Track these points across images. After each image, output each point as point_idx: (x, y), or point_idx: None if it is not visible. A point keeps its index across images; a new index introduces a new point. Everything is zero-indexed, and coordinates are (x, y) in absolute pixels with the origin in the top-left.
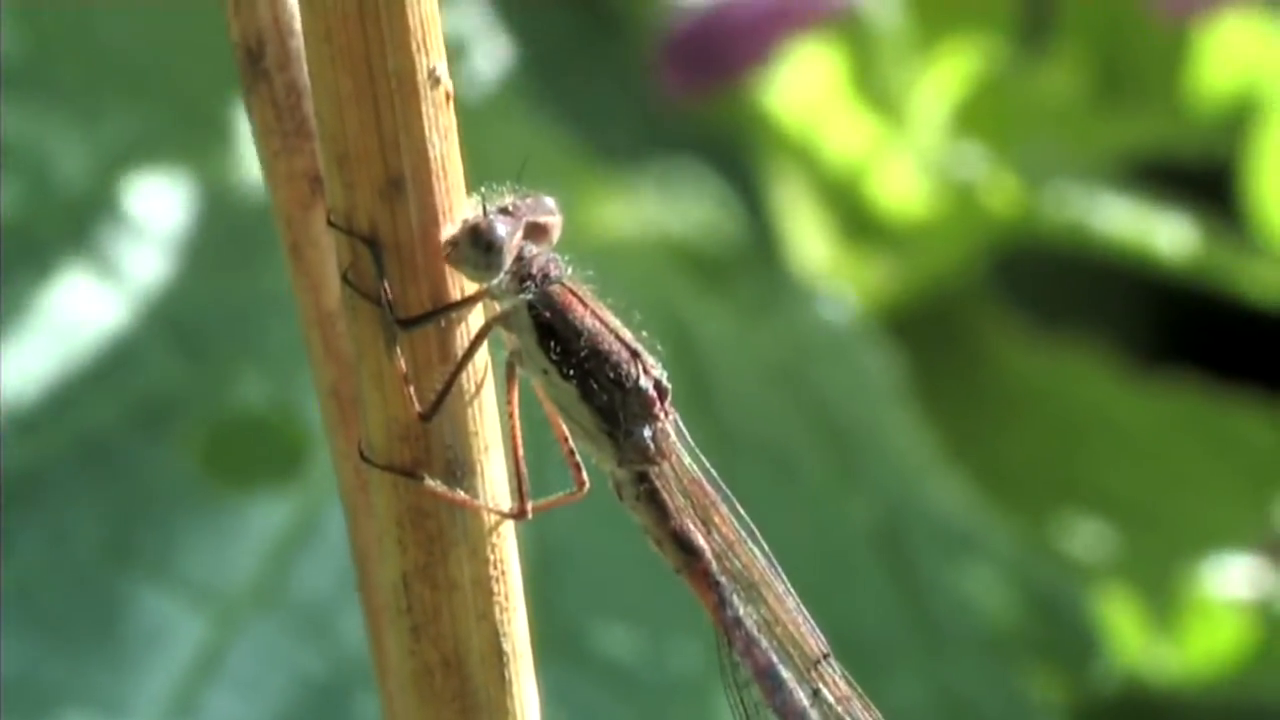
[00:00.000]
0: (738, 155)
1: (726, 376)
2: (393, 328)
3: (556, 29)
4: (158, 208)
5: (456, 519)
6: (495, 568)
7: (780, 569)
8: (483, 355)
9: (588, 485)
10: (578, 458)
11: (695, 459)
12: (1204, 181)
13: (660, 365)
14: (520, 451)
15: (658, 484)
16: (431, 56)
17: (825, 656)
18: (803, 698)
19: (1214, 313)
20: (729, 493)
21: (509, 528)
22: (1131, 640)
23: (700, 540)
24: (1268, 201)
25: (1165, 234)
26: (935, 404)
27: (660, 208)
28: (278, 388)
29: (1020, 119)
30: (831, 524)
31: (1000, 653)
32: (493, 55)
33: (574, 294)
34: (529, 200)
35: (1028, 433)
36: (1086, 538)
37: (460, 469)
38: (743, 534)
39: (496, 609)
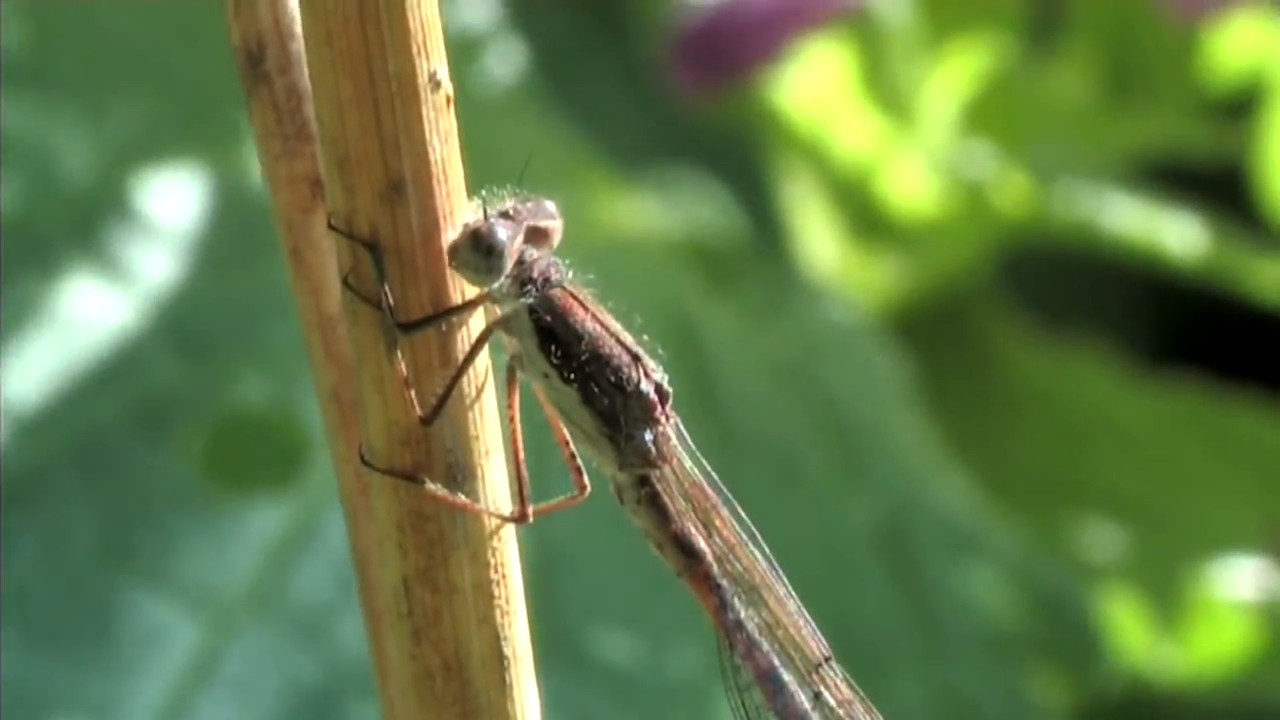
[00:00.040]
0: (747, 154)
1: (733, 375)
2: (393, 331)
3: (565, 28)
4: (162, 205)
5: (457, 523)
6: (496, 571)
7: (781, 572)
8: (483, 359)
9: (589, 489)
10: (579, 461)
11: (696, 462)
12: (1216, 183)
13: (661, 369)
14: (521, 455)
15: (659, 487)
16: (432, 60)
17: (827, 659)
18: (804, 701)
19: (1220, 313)
20: (730, 496)
21: (510, 531)
22: (1137, 641)
23: (701, 543)
24: (1278, 200)
25: (1174, 233)
26: (942, 404)
27: (668, 207)
28: (279, 389)
29: (1030, 118)
30: (836, 523)
31: (1004, 653)
32: (502, 55)
33: (575, 298)
34: (530, 204)
35: (1034, 433)
36: (1092, 538)
37: (461, 473)
38: (744, 537)
39: (497, 613)
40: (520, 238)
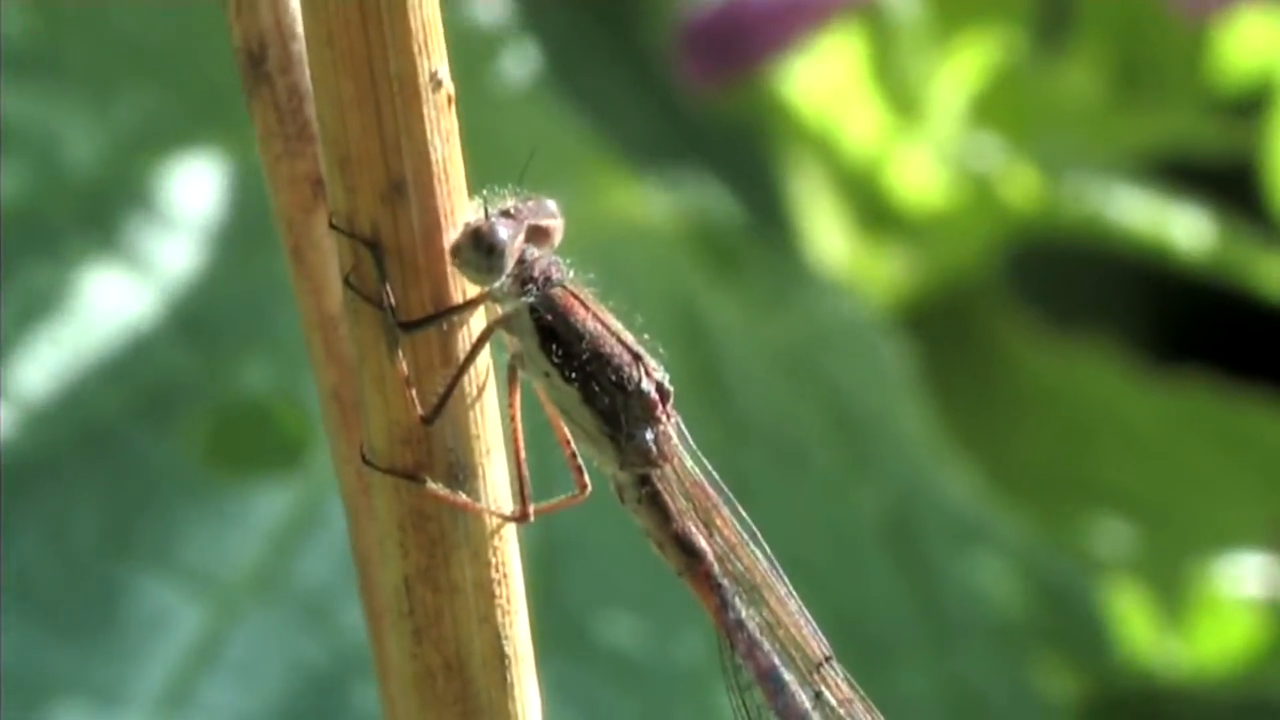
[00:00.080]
0: (755, 146)
1: (740, 364)
2: (394, 331)
3: (574, 21)
4: (170, 194)
5: (458, 522)
6: (497, 570)
7: (782, 571)
8: (484, 358)
9: (589, 488)
10: (579, 460)
11: (697, 461)
12: (1225, 179)
13: (662, 368)
14: (522, 454)
15: (659, 487)
16: (433, 60)
17: (828, 659)
18: (805, 700)
19: (1226, 310)
20: (730, 495)
21: (511, 530)
22: (1143, 636)
23: (702, 543)
24: None
25: (1182, 229)
26: (948, 400)
27: (676, 199)
28: (284, 375)
29: (1038, 113)
30: (842, 513)
31: (1010, 643)
32: (513, 50)
33: (576, 297)
34: (531, 203)
35: (1040, 429)
36: (1098, 535)
37: (462, 472)
38: (745, 536)
39: (498, 612)
40: (521, 237)
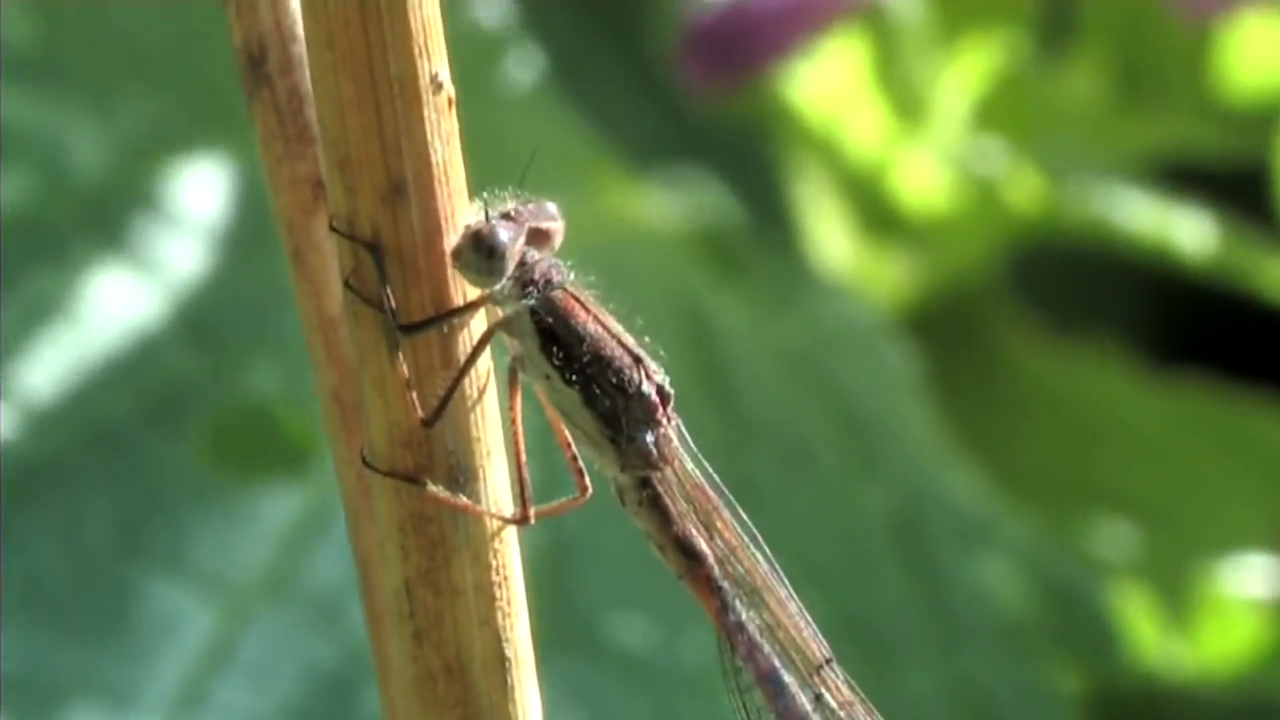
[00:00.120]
0: (759, 149)
1: (744, 366)
2: (395, 333)
3: (577, 24)
4: (175, 197)
5: (459, 524)
6: (498, 573)
7: (782, 573)
8: (485, 360)
9: (590, 490)
10: (580, 463)
11: (698, 463)
12: (1229, 183)
13: (663, 370)
14: (523, 457)
15: (660, 489)
16: (433, 61)
17: (828, 661)
18: (805, 702)
19: (1230, 313)
20: (731, 498)
21: (511, 533)
22: (1146, 638)
23: (703, 545)
24: None
25: (1185, 232)
26: (952, 402)
27: (680, 200)
28: (291, 377)
29: (1042, 116)
30: (849, 513)
31: (1016, 643)
32: (516, 53)
33: (576, 299)
34: (531, 205)
35: (1044, 432)
36: (1102, 536)
37: (462, 474)
38: (745, 539)
39: (499, 614)
40: (522, 239)
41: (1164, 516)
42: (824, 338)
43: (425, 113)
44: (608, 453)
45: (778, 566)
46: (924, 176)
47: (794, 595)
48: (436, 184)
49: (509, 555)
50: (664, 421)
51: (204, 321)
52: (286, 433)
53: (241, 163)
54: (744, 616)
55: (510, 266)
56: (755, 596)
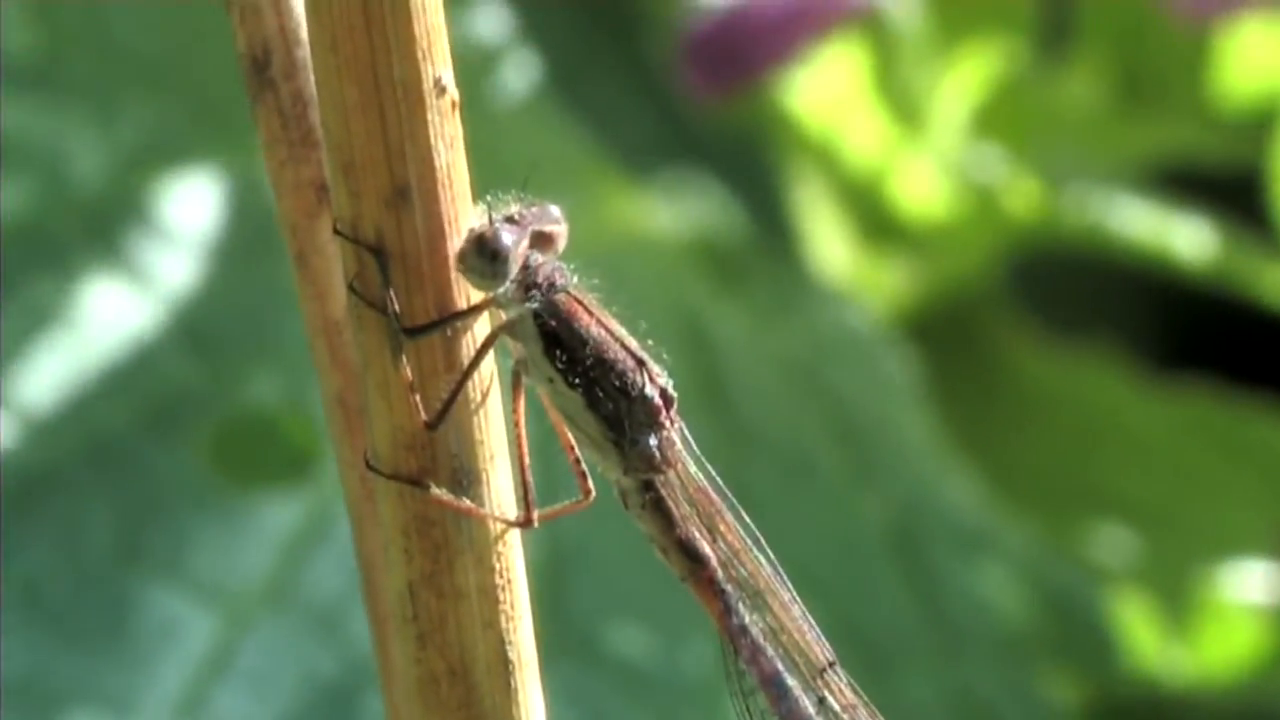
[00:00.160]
0: (757, 157)
1: (743, 375)
2: (398, 336)
3: (576, 31)
4: (175, 207)
5: (462, 527)
6: (501, 576)
7: (785, 576)
8: (488, 364)
9: (593, 493)
10: (584, 466)
11: (701, 466)
12: (1227, 188)
13: (666, 373)
14: (526, 460)
15: (663, 492)
16: (437, 65)
17: (831, 664)
18: (808, 705)
19: (1230, 318)
20: (734, 501)
21: (515, 536)
22: (1147, 644)
23: (706, 548)
24: None
25: (1184, 238)
26: (951, 408)
27: (679, 208)
28: (292, 386)
29: (1040, 123)
30: (847, 522)
31: (1016, 652)
32: (515, 60)
33: (579, 302)
34: (534, 209)
35: (1044, 438)
36: (1102, 542)
37: (466, 477)
38: (748, 541)
39: (502, 617)
40: (525, 242)
41: (1164, 521)
42: (823, 346)
43: (429, 116)
44: (611, 456)
45: (780, 569)
46: (923, 183)
47: (797, 598)
48: (440, 188)
49: (512, 558)
50: (667, 424)
51: (203, 330)
52: (286, 441)
53: (241, 172)
54: (747, 620)
55: (514, 270)
56: (758, 599)
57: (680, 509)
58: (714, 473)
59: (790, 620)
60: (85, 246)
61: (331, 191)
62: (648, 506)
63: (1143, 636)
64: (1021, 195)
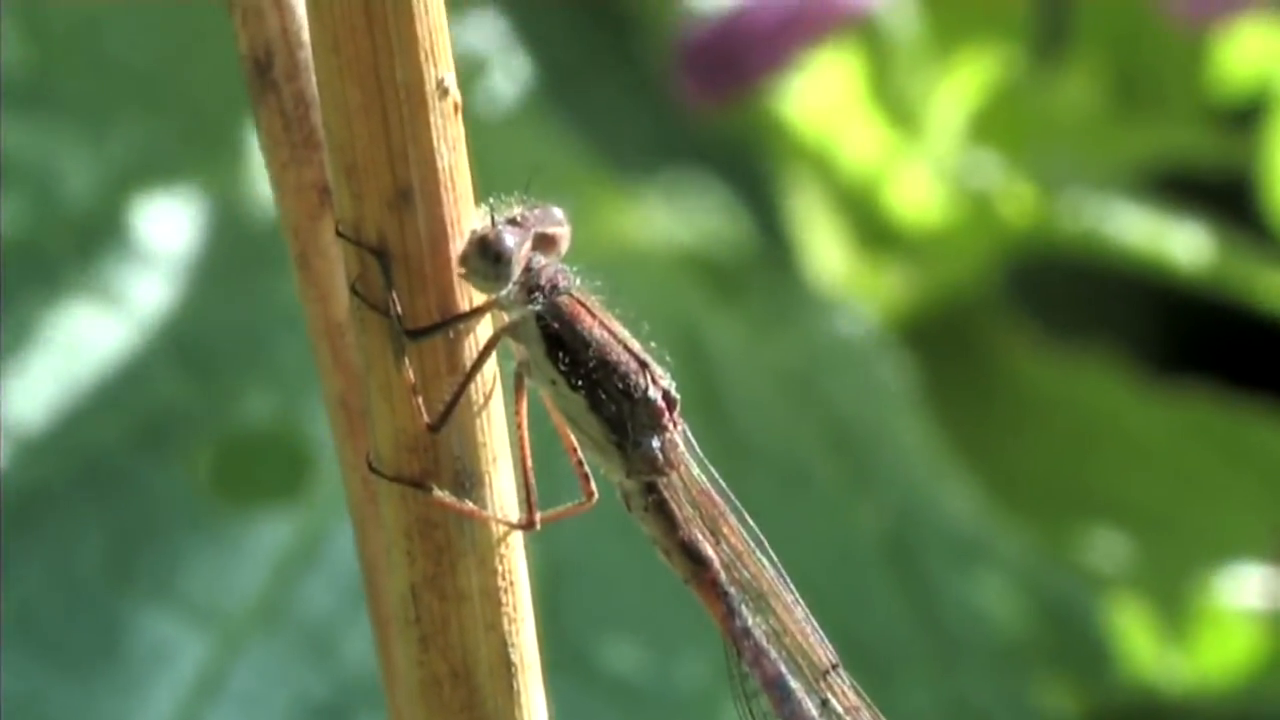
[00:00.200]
0: (753, 163)
1: (739, 385)
2: (401, 339)
3: (571, 38)
4: (166, 224)
5: (465, 530)
6: (503, 578)
7: (788, 579)
8: (491, 366)
9: (596, 496)
10: (586, 468)
11: (703, 469)
12: (1223, 192)
13: (669, 376)
14: (528, 462)
15: (666, 494)
16: (440, 67)
17: (834, 667)
18: (811, 708)
19: (1228, 322)
20: (737, 503)
21: (517, 538)
22: (1144, 649)
23: (709, 550)
24: None
25: (1181, 242)
26: (949, 413)
27: (674, 217)
28: (283, 405)
29: (1036, 128)
30: (843, 532)
31: (1012, 661)
32: (509, 68)
33: (582, 305)
34: (537, 211)
35: (1041, 442)
36: (1100, 547)
37: (468, 480)
38: (751, 544)
39: (505, 620)
40: (528, 244)
41: (1162, 526)
42: (819, 356)
43: (431, 118)
44: (614, 458)
45: (783, 571)
46: (919, 189)
47: (799, 600)
48: (442, 189)
49: (515, 560)
50: (670, 426)
51: (194, 348)
52: (279, 461)
53: (231, 189)
54: (750, 622)
55: (516, 272)
56: (761, 602)
57: (683, 511)
58: (716, 475)
59: (793, 622)
60: (77, 265)
61: (334, 193)
62: (650, 509)
63: (1140, 643)
64: (1018, 200)
